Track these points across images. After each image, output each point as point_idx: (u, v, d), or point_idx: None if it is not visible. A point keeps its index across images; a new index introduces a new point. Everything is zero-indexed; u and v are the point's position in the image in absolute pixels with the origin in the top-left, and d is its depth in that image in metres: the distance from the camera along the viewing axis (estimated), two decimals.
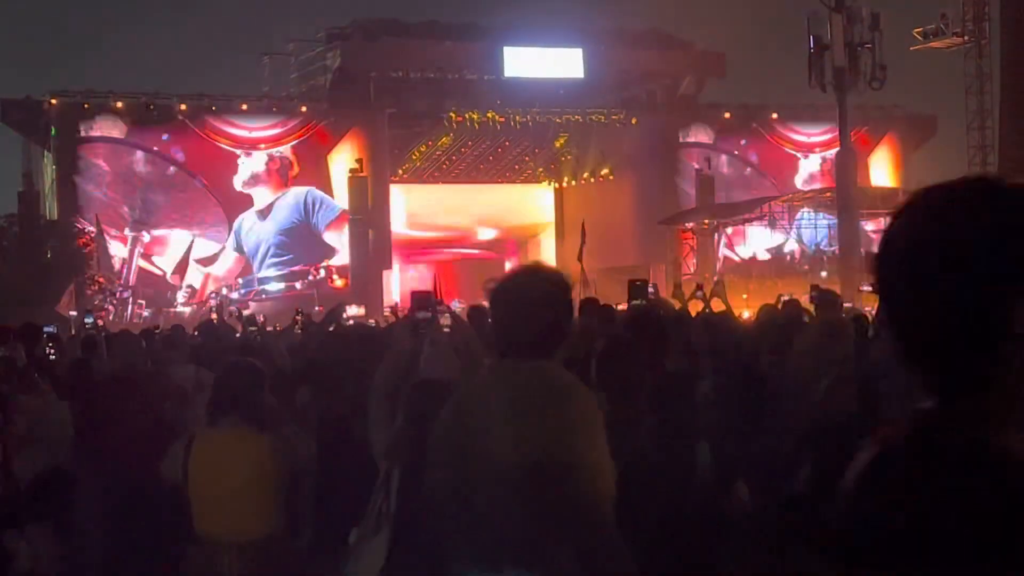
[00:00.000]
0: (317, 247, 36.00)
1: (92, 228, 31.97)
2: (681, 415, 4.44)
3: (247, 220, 35.32)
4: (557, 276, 3.15)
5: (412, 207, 41.33)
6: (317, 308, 20.66)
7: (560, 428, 2.90)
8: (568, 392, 2.98)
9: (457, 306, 14.13)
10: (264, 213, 35.38)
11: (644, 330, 5.97)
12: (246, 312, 10.29)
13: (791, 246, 36.99)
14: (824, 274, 30.15)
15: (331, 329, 8.76)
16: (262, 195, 35.52)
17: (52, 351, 9.34)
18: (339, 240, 36.05)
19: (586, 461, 2.91)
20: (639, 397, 4.29)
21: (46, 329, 9.31)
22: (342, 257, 36.01)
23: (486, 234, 44.01)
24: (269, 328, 11.09)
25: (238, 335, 9.93)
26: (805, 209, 36.82)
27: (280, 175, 35.65)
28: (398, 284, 38.40)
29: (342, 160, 36.03)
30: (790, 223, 36.67)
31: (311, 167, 36.04)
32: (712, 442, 4.39)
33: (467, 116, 37.58)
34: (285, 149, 35.67)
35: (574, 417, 2.94)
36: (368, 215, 35.16)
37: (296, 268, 35.72)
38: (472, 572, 4.15)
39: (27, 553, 3.84)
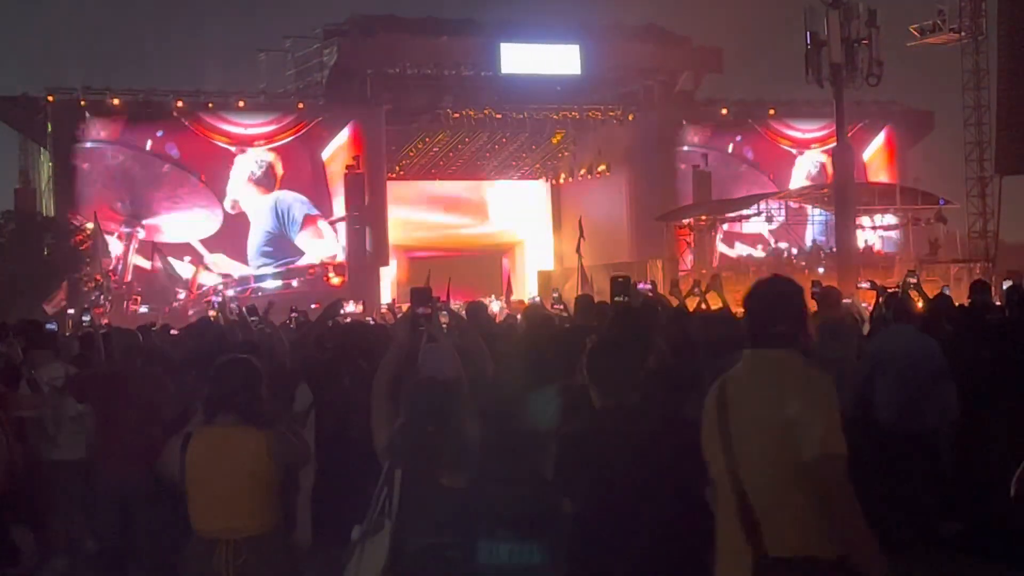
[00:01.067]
0: (293, 253, 35.93)
1: (90, 225, 31.95)
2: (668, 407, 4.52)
3: (237, 221, 35.38)
4: (796, 283, 3.90)
5: (409, 203, 41.32)
6: (313, 305, 20.62)
7: (814, 402, 3.55)
8: (815, 375, 3.66)
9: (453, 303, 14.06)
10: (250, 216, 35.44)
11: (629, 328, 6.00)
12: (248, 305, 10.19)
13: (788, 243, 36.99)
14: (821, 270, 30.16)
15: (329, 325, 8.75)
16: (249, 204, 35.54)
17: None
18: (307, 241, 35.84)
19: (819, 419, 3.52)
20: (630, 391, 4.30)
21: (48, 327, 9.29)
22: (321, 252, 35.72)
23: (482, 230, 44.01)
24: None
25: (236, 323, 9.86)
26: (802, 205, 36.82)
27: (266, 183, 35.59)
28: (396, 281, 38.47)
29: (339, 157, 36.00)
30: (787, 219, 36.67)
31: (307, 164, 35.99)
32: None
33: (464, 112, 37.56)
34: (267, 154, 35.49)
35: (823, 394, 3.59)
36: (365, 212, 35.12)
37: (292, 265, 35.69)
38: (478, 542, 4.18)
39: (34, 547, 3.85)
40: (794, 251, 36.49)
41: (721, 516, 3.66)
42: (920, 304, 9.48)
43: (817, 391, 3.59)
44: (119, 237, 33.69)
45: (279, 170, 35.64)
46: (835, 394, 3.62)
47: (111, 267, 32.75)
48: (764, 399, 3.59)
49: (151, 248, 33.64)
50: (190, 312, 29.82)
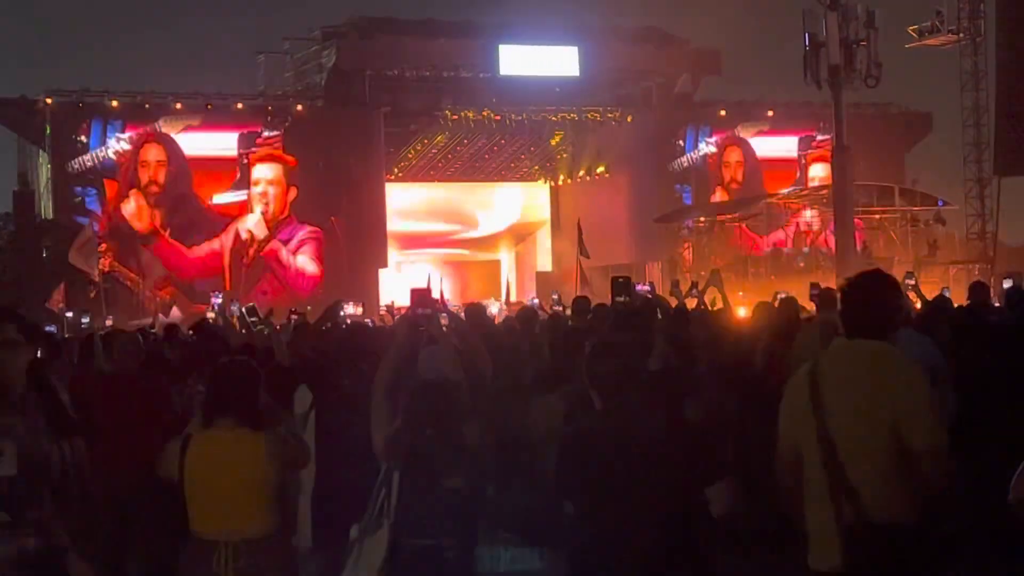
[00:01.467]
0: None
1: (86, 227, 31.88)
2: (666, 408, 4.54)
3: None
4: (893, 278, 4.20)
5: (408, 205, 41.29)
6: (311, 308, 20.66)
7: (907, 388, 3.86)
8: (916, 367, 3.98)
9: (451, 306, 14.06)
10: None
11: (629, 329, 6.01)
12: (247, 306, 10.16)
13: (787, 244, 36.98)
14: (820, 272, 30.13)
15: (327, 327, 8.76)
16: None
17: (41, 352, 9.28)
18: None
19: (923, 411, 3.86)
20: (630, 393, 4.30)
21: (47, 329, 9.27)
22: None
23: (482, 232, 43.99)
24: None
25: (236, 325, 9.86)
26: (801, 206, 36.82)
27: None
28: (395, 282, 38.43)
29: (337, 158, 35.93)
30: (786, 221, 36.65)
31: (306, 166, 35.94)
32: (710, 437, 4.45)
33: (463, 114, 37.52)
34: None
35: (915, 380, 3.91)
36: (364, 214, 35.09)
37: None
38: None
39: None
40: (793, 252, 36.45)
41: (811, 492, 3.92)
42: (918, 305, 9.48)
43: (922, 383, 3.90)
44: None
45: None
46: (926, 380, 3.94)
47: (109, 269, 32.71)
48: (866, 388, 3.87)
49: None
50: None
